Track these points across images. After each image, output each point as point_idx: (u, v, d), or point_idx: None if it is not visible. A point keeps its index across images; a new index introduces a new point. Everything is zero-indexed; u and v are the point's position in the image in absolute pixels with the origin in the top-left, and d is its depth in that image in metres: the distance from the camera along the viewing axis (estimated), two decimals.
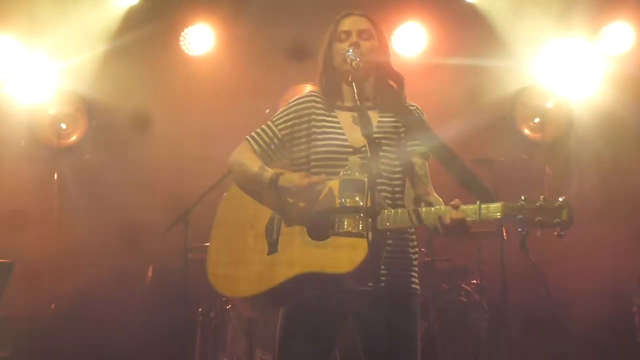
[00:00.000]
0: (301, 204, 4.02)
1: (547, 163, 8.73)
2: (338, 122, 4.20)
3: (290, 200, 4.04)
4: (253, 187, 4.21)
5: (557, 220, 3.51)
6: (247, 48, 9.25)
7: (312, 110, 4.25)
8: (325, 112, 4.24)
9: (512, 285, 7.66)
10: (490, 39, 9.09)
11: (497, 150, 8.48)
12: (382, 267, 3.95)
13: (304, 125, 4.24)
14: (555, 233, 3.55)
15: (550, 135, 9.10)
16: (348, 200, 3.73)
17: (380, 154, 3.93)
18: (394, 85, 4.26)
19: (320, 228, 3.91)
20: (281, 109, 4.35)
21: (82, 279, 8.49)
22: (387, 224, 3.80)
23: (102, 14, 9.01)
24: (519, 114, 9.18)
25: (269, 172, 4.12)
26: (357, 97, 3.94)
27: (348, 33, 4.21)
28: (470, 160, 7.03)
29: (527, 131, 9.19)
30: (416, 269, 4.20)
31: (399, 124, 4.18)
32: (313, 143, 4.18)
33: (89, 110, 9.07)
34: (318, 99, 4.29)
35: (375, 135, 3.87)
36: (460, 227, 3.70)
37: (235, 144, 4.38)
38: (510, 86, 9.17)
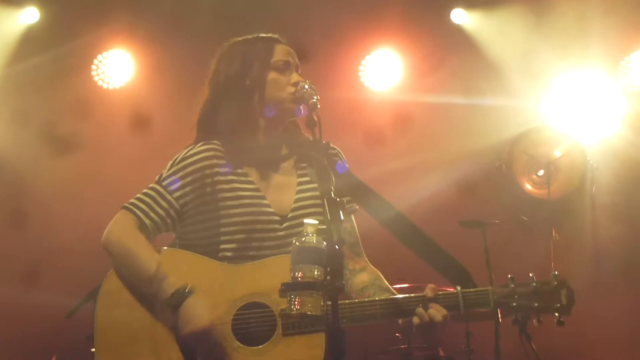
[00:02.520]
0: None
1: (553, 226, 8.39)
2: (252, 182, 3.96)
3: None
4: (142, 289, 3.82)
5: (558, 305, 3.64)
6: (174, 78, 8.82)
7: (215, 169, 3.94)
8: (232, 169, 3.96)
9: None
10: (484, 70, 8.90)
11: (491, 211, 8.24)
12: None
13: (208, 190, 3.93)
14: (555, 320, 3.64)
15: (558, 192, 8.81)
16: (303, 274, 3.38)
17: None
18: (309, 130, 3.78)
19: (256, 324, 3.69)
20: (170, 170, 3.99)
21: None
22: (344, 319, 3.54)
23: None
24: (519, 164, 8.96)
25: (171, 284, 3.72)
26: (318, 142, 3.62)
27: (288, 64, 4.06)
28: (458, 223, 7.36)
29: (528, 186, 8.99)
30: None
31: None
32: (222, 212, 3.90)
33: None
34: (219, 152, 3.98)
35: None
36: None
37: None
38: (509, 129, 8.93)
